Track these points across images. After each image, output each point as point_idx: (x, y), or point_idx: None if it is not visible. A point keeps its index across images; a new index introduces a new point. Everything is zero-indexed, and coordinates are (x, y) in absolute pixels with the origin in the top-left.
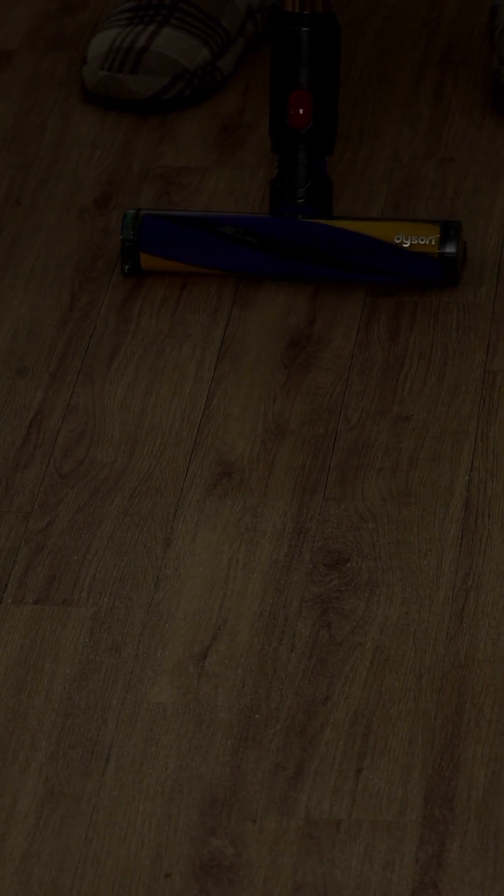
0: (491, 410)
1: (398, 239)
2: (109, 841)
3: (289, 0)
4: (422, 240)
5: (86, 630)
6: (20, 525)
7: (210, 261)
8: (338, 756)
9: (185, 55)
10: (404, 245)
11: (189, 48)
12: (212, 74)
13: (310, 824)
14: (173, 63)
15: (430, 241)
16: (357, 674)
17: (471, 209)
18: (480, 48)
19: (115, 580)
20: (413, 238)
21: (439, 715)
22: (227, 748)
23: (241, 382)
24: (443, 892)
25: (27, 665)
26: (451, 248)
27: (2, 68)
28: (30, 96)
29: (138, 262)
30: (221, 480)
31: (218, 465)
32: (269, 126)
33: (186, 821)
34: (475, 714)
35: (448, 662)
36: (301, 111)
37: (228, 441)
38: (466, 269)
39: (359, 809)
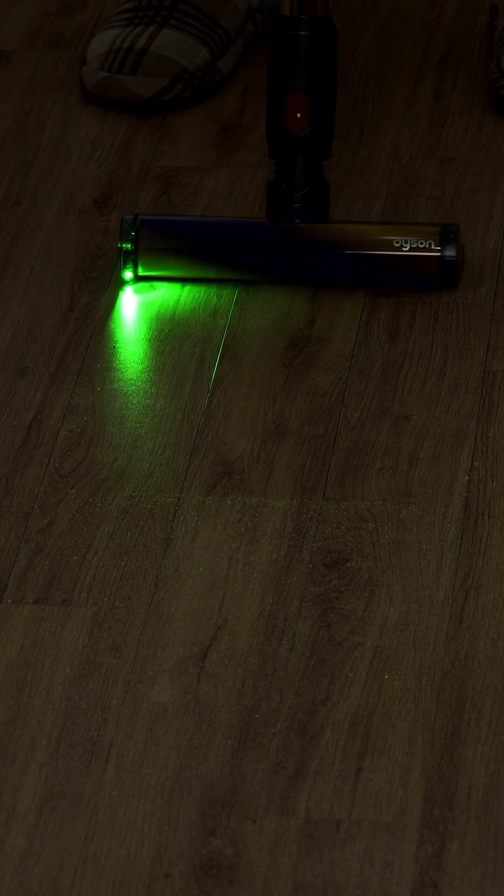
0: (491, 410)
1: (397, 243)
2: (109, 841)
3: (286, 3)
4: (421, 243)
5: (86, 630)
6: (20, 525)
7: (209, 269)
8: (338, 756)
9: (184, 56)
10: (403, 249)
11: (188, 49)
12: (211, 75)
13: (310, 824)
14: (173, 64)
15: (429, 244)
16: (357, 674)
17: (470, 209)
18: (480, 48)
19: (115, 580)
20: (412, 242)
21: (439, 715)
22: (227, 748)
23: (241, 382)
24: (443, 892)
25: (27, 665)
26: (450, 252)
27: (1, 68)
28: (29, 96)
29: (136, 269)
30: (221, 480)
31: (218, 465)
32: (266, 130)
33: (186, 821)
34: (475, 714)
35: (448, 662)
36: (298, 115)
37: (228, 441)
38: (466, 269)
39: (359, 809)
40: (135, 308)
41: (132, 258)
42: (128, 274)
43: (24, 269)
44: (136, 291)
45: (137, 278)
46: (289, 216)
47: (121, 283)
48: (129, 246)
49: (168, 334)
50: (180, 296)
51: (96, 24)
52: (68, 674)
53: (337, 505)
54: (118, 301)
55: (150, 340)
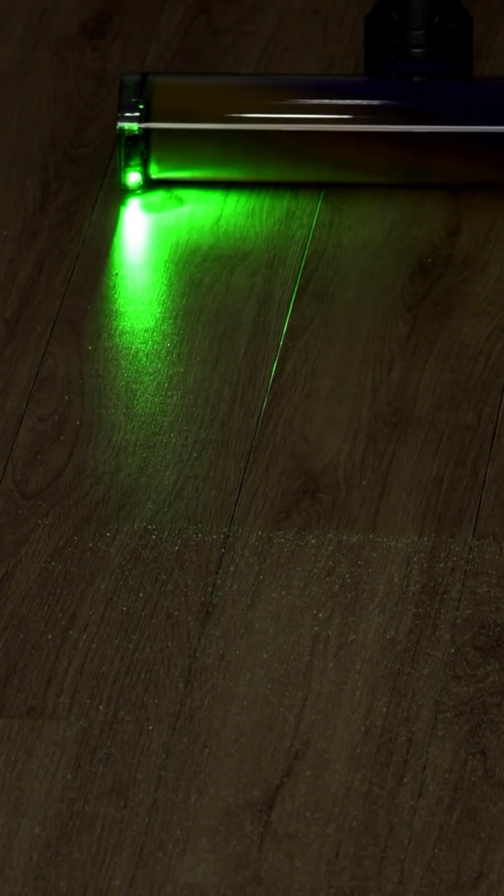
0: None
1: None
2: None
3: None
4: None
5: (68, 758)
6: None
7: (269, 164)
8: None
9: None
10: None
11: None
12: None
13: None
14: None
15: None
16: None
17: None
18: None
19: (118, 675)
20: None
21: None
22: None
23: (334, 336)
24: None
25: None
26: None
27: None
28: None
29: (147, 167)
30: (300, 504)
31: (294, 478)
32: None
33: None
34: None
35: None
36: None
37: (311, 436)
38: None
39: None
40: (149, 209)
41: (141, 150)
42: (133, 176)
43: None
44: (150, 181)
45: (149, 183)
46: (403, 69)
47: (124, 187)
48: (136, 129)
49: (207, 253)
50: (225, 198)
51: None
52: (37, 834)
53: (496, 546)
54: (120, 197)
55: (176, 265)
